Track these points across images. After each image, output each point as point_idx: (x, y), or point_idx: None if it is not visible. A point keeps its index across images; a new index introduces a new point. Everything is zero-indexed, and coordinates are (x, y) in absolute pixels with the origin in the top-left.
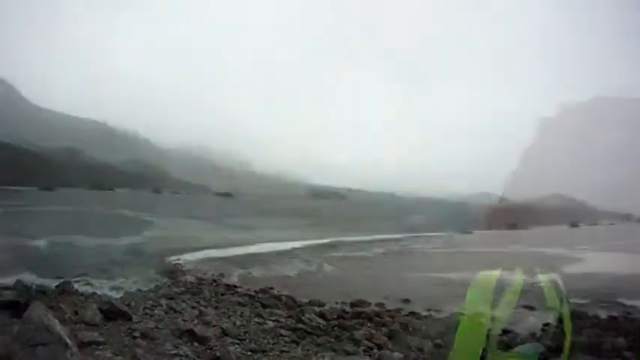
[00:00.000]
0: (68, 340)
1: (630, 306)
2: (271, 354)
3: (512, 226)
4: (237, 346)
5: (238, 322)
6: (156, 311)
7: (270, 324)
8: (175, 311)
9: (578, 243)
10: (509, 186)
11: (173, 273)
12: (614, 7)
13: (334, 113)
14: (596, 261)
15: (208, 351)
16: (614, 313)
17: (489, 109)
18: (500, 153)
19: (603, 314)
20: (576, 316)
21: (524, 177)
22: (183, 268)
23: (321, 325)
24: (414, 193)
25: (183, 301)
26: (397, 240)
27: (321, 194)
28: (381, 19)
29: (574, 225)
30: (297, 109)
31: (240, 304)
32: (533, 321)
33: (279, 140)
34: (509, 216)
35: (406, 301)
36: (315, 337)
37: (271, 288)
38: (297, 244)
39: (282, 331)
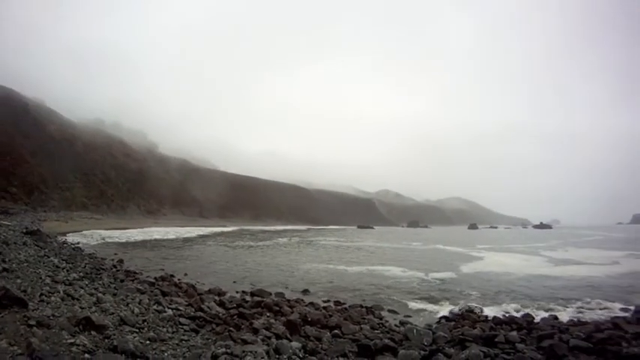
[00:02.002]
0: None
1: (524, 303)
2: (170, 343)
3: (414, 224)
4: (135, 334)
5: (137, 310)
6: (52, 298)
7: (170, 312)
8: (73, 298)
9: (477, 243)
10: (412, 185)
11: (72, 257)
12: None
13: (250, 102)
14: (493, 260)
15: (106, 340)
16: (509, 309)
17: (400, 114)
18: (405, 153)
19: (498, 310)
20: (472, 310)
21: (427, 178)
22: (84, 252)
23: (221, 314)
24: (322, 187)
25: (82, 287)
26: (300, 231)
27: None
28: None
29: (473, 227)
30: (212, 95)
31: (139, 291)
32: (429, 313)
33: (189, 124)
34: (410, 214)
35: (305, 291)
36: (214, 326)
37: (172, 275)
38: (203, 231)
39: (182, 320)
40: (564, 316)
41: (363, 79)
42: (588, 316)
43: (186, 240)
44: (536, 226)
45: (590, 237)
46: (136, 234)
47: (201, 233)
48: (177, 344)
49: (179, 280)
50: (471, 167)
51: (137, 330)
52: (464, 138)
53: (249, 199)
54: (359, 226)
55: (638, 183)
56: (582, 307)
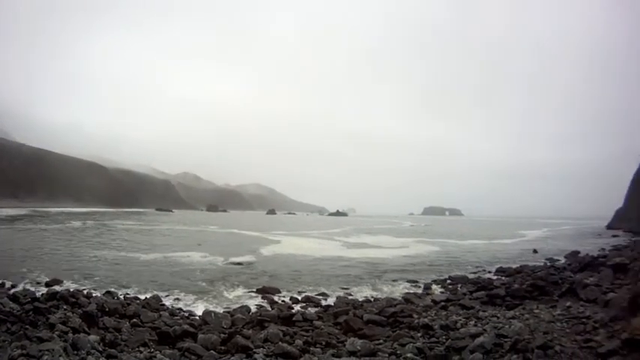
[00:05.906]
0: None
1: (320, 284)
2: None
3: (213, 208)
4: None
5: None
6: None
7: None
8: None
9: (275, 228)
10: (212, 169)
11: None
12: None
13: (57, 68)
14: (291, 244)
15: None
16: (306, 290)
17: (208, 98)
18: (208, 137)
19: (295, 291)
20: (271, 292)
21: (228, 163)
22: None
23: (15, 311)
24: (120, 165)
25: None
26: (98, 214)
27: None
28: None
29: (271, 212)
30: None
31: None
32: (228, 296)
33: None
34: (210, 198)
35: (104, 280)
36: (9, 325)
37: None
38: None
39: None
40: (358, 293)
41: (184, 62)
42: (381, 293)
43: None
44: (332, 214)
45: (383, 225)
46: None
47: None
48: None
49: None
50: (273, 156)
51: None
52: (272, 129)
53: (45, 177)
54: (157, 209)
55: (429, 181)
56: (375, 285)
